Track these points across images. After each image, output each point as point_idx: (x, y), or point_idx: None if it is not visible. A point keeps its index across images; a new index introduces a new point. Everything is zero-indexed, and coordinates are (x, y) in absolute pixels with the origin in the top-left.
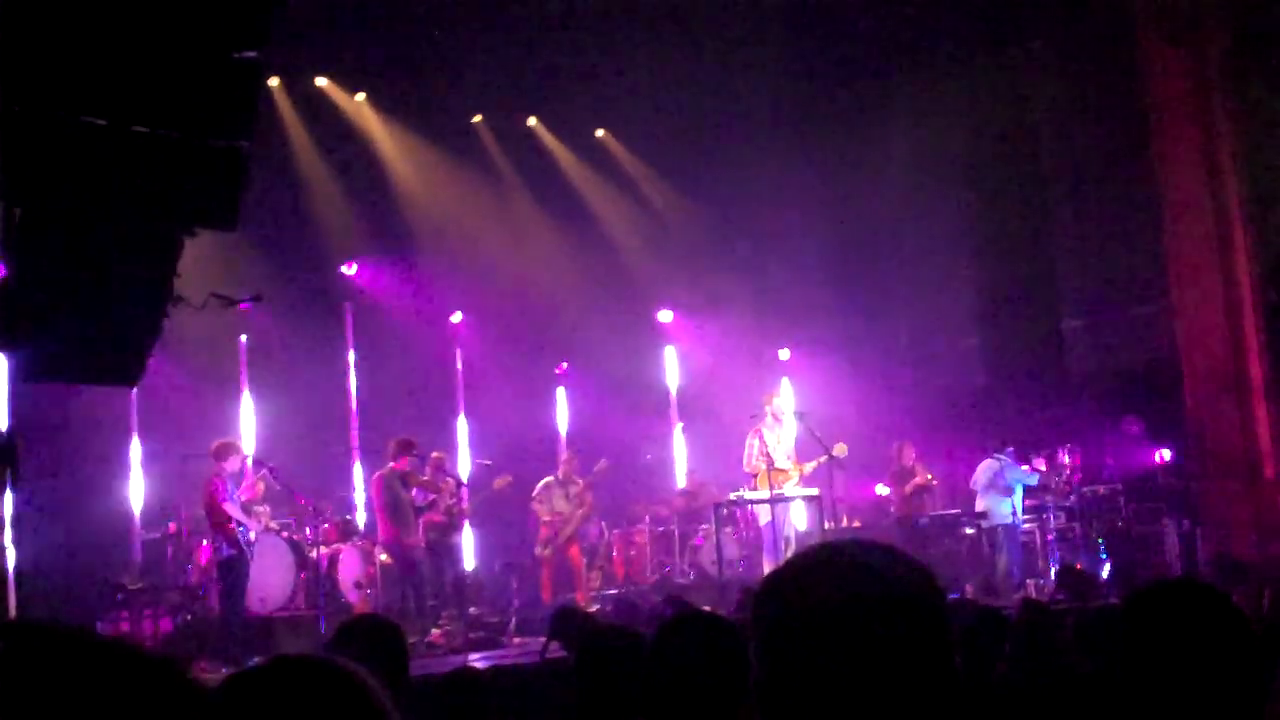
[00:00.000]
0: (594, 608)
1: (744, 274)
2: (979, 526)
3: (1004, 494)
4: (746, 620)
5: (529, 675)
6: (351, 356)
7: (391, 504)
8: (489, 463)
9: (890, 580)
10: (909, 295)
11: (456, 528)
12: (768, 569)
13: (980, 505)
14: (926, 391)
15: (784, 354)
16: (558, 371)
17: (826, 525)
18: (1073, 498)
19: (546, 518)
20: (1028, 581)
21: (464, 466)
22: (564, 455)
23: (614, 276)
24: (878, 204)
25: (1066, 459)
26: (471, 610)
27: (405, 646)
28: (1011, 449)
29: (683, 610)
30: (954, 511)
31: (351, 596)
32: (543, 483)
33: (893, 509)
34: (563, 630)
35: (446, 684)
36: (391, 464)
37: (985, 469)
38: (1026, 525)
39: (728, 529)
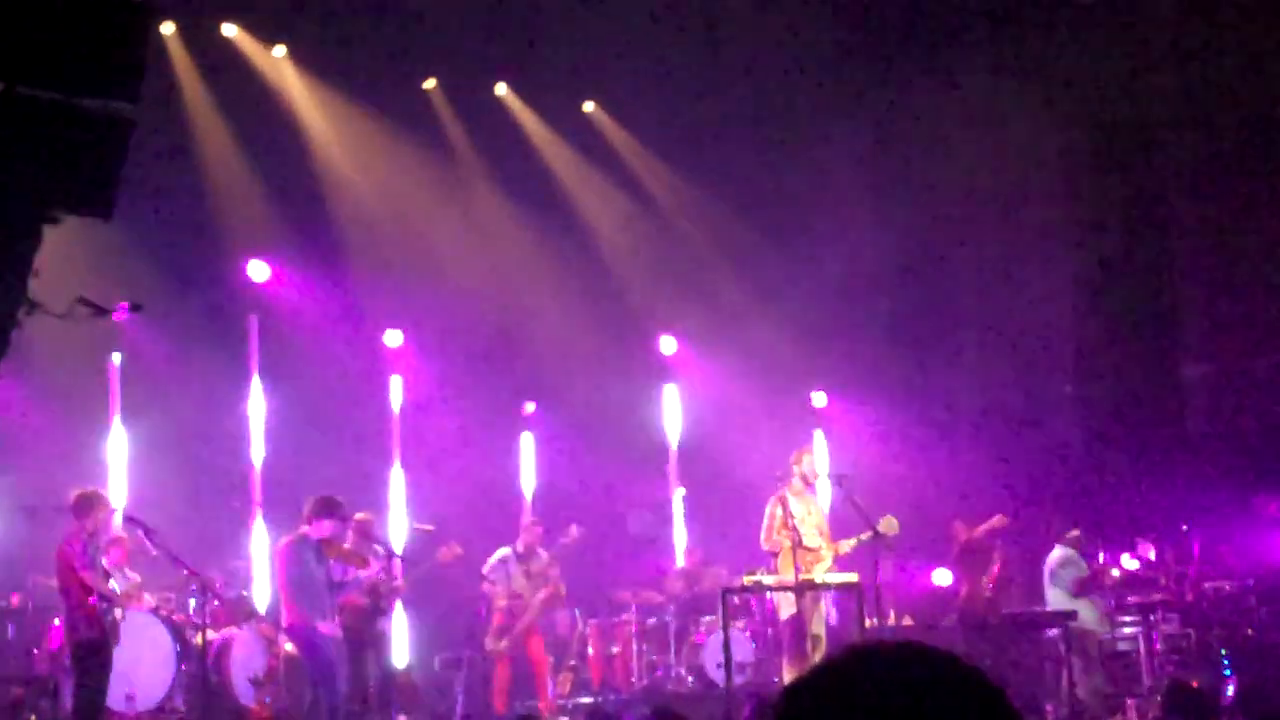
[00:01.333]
0: None
1: (769, 293)
2: (1066, 630)
3: (1073, 591)
4: None
5: None
6: (256, 385)
7: (301, 579)
8: (430, 528)
9: (950, 700)
10: (983, 329)
11: (385, 612)
12: (789, 677)
13: (1053, 603)
14: (1004, 453)
15: (819, 399)
16: (524, 413)
17: (868, 622)
18: (1188, 596)
19: (502, 601)
20: (1127, 702)
21: (397, 532)
22: (525, 521)
23: (601, 292)
24: (945, 205)
25: (1179, 548)
26: (400, 718)
27: None
28: (1076, 531)
29: None
30: (1035, 610)
31: (245, 698)
32: (498, 555)
33: (958, 604)
34: None
35: None
36: (305, 528)
37: (1052, 558)
38: (1128, 630)
39: (739, 623)
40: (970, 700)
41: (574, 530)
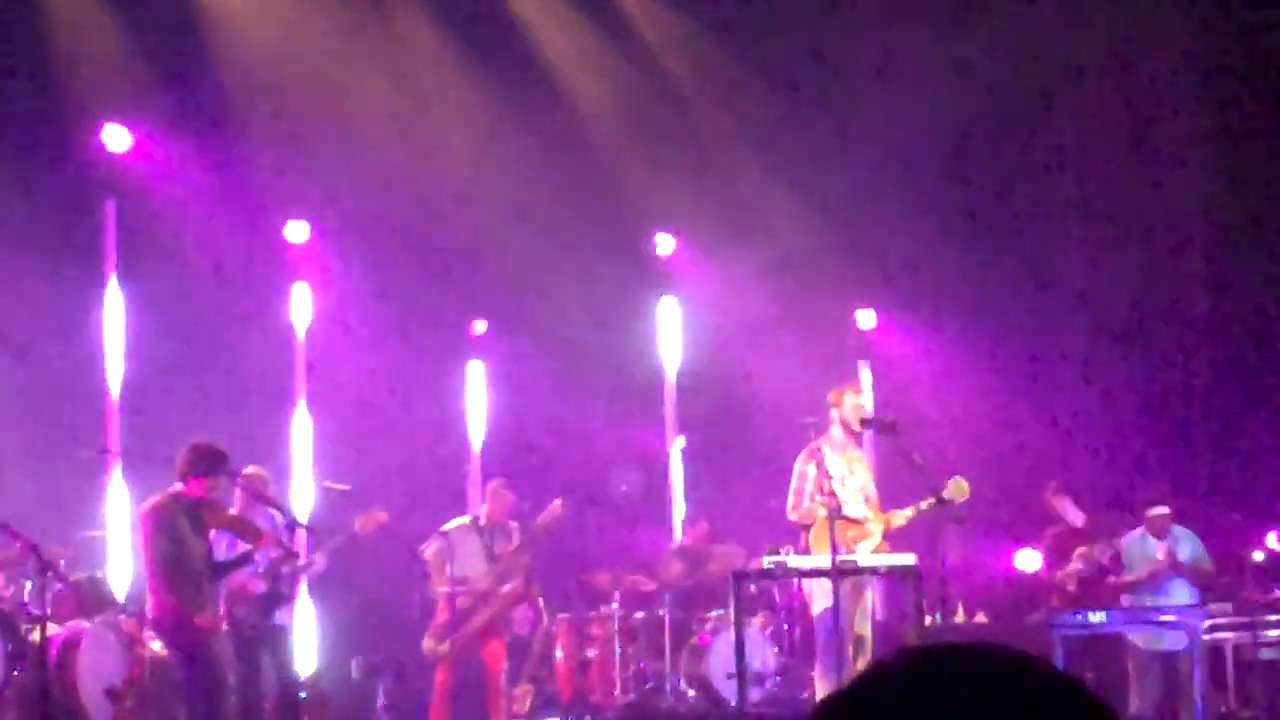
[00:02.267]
0: None
1: (800, 179)
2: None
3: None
4: None
5: None
6: (114, 291)
7: (174, 556)
8: (346, 488)
9: None
10: (1088, 228)
11: (286, 600)
12: (823, 690)
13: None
14: (1116, 395)
15: (865, 320)
16: (472, 335)
17: (928, 619)
18: None
19: (444, 588)
20: None
21: (302, 494)
22: (492, 485)
23: (577, 175)
24: (1041, 67)
25: None
26: None
27: None
28: (1163, 508)
29: None
30: (1161, 605)
31: (99, 714)
32: (451, 526)
33: (1047, 593)
34: None
35: None
36: (178, 486)
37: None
38: (1274, 634)
39: (757, 619)
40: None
41: (557, 506)
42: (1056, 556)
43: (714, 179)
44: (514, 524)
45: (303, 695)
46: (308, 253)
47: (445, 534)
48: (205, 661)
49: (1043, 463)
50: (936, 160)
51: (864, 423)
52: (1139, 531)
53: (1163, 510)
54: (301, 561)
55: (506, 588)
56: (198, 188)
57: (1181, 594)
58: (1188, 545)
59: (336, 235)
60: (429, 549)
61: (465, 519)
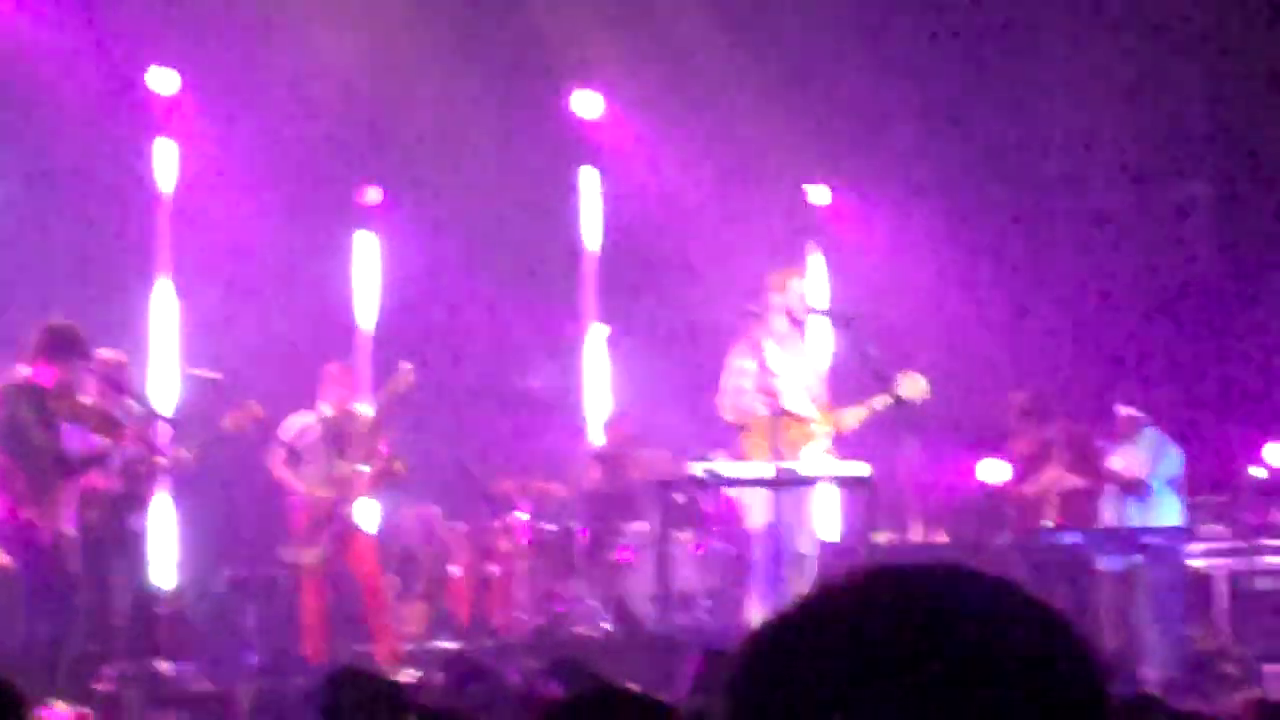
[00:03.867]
0: (406, 676)
1: (746, 32)
2: (1178, 557)
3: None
4: (710, 712)
5: None
6: None
7: (16, 449)
8: (216, 376)
9: (1012, 655)
10: (1072, 81)
11: (143, 503)
12: (759, 617)
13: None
14: (1103, 286)
15: (817, 195)
16: (363, 202)
17: (880, 536)
18: None
19: (299, 486)
20: (1266, 669)
21: (165, 383)
22: (329, 369)
23: (487, 24)
24: None
25: None
26: (163, 666)
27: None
28: (1130, 410)
29: (585, 690)
30: (1145, 527)
31: None
32: (294, 424)
33: (1012, 509)
34: (342, 717)
35: None
36: (24, 371)
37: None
38: (1270, 561)
39: (685, 535)
40: (1045, 657)
41: (405, 369)
42: (1027, 466)
43: (646, 29)
44: (361, 408)
45: (159, 611)
46: (174, 105)
47: (286, 437)
48: (49, 571)
49: (1018, 361)
50: (903, 12)
51: (819, 314)
52: (1153, 435)
53: (1129, 412)
54: (162, 460)
55: (364, 478)
56: (42, 26)
57: (1156, 510)
58: (1151, 451)
59: (206, 86)
60: (272, 458)
61: (307, 415)
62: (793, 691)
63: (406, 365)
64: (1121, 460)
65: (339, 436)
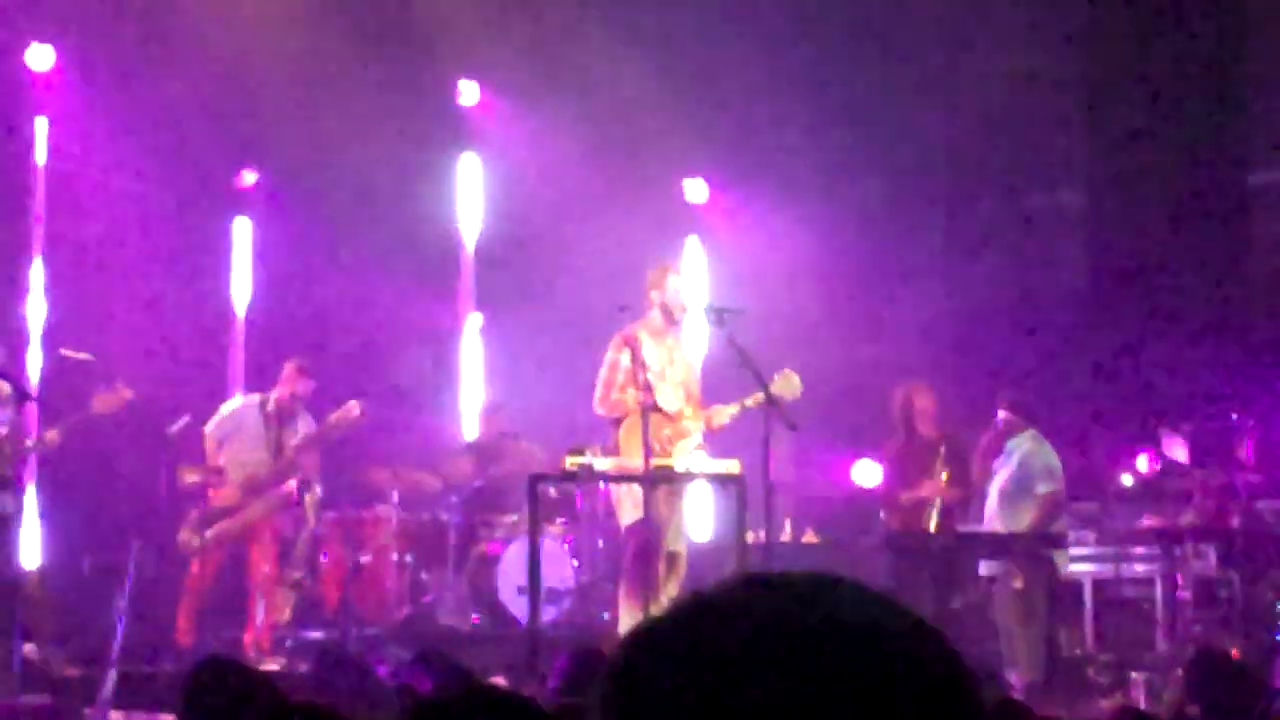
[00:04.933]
0: (272, 664)
1: (625, 21)
2: (1048, 562)
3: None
4: (577, 710)
5: None
6: None
7: None
8: (87, 357)
9: (880, 671)
10: (951, 76)
11: (10, 483)
12: (628, 618)
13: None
14: (978, 287)
15: (695, 190)
16: (240, 186)
17: (751, 535)
18: (1233, 520)
19: (197, 476)
20: (1131, 675)
21: (34, 363)
22: (290, 366)
23: (368, 8)
24: None
25: (1224, 447)
26: (26, 648)
27: None
28: (1003, 413)
29: (451, 683)
30: (1012, 533)
31: None
32: (233, 405)
33: (887, 516)
34: (208, 709)
35: None
36: None
37: (1019, 454)
38: (1139, 568)
39: (555, 528)
40: (916, 667)
41: (353, 408)
42: (902, 470)
43: (525, 17)
44: (304, 415)
45: (24, 593)
46: (50, 80)
47: (224, 414)
48: None
49: (894, 362)
50: (783, 6)
51: (695, 309)
52: (1032, 444)
53: (1009, 417)
54: (30, 441)
55: (284, 486)
56: None
57: (1023, 515)
58: (1022, 457)
59: (83, 60)
60: (208, 426)
61: (251, 398)
62: (664, 702)
63: (354, 405)
64: (1003, 466)
65: (279, 435)
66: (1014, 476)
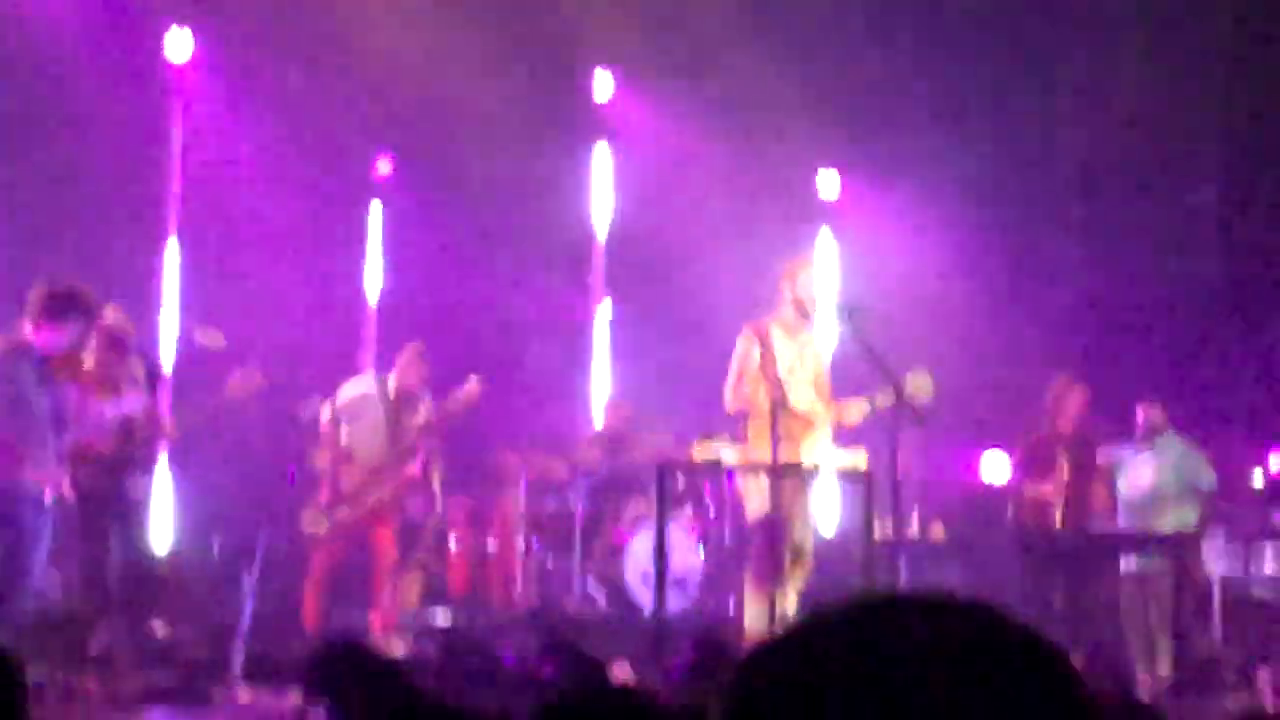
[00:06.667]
0: (398, 648)
1: (761, 11)
2: (1182, 561)
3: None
4: (700, 702)
5: None
6: None
7: (15, 413)
8: (220, 340)
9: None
10: (1090, 94)
11: (142, 467)
12: (754, 607)
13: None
14: (1115, 284)
15: (828, 184)
16: (375, 175)
17: (878, 529)
18: None
19: (326, 461)
20: (1259, 672)
21: (168, 346)
22: (409, 349)
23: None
24: None
25: None
26: (156, 625)
27: (19, 692)
28: (1154, 412)
29: (576, 672)
30: (1151, 532)
31: None
32: (352, 389)
33: (1014, 508)
34: (334, 690)
35: None
36: (29, 329)
37: (1169, 451)
38: (1269, 570)
39: (682, 516)
40: (1035, 695)
41: (474, 384)
42: (1034, 465)
43: (662, 7)
44: (425, 397)
45: (155, 574)
46: (188, 68)
47: (340, 399)
48: (35, 527)
49: (1025, 357)
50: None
51: (827, 305)
52: (1133, 442)
53: (1152, 415)
54: (163, 423)
55: (408, 465)
56: None
57: (1178, 515)
58: (1176, 457)
59: (221, 48)
60: (323, 411)
61: (370, 384)
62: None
63: (474, 380)
64: (1146, 464)
65: (399, 417)
66: (1172, 474)
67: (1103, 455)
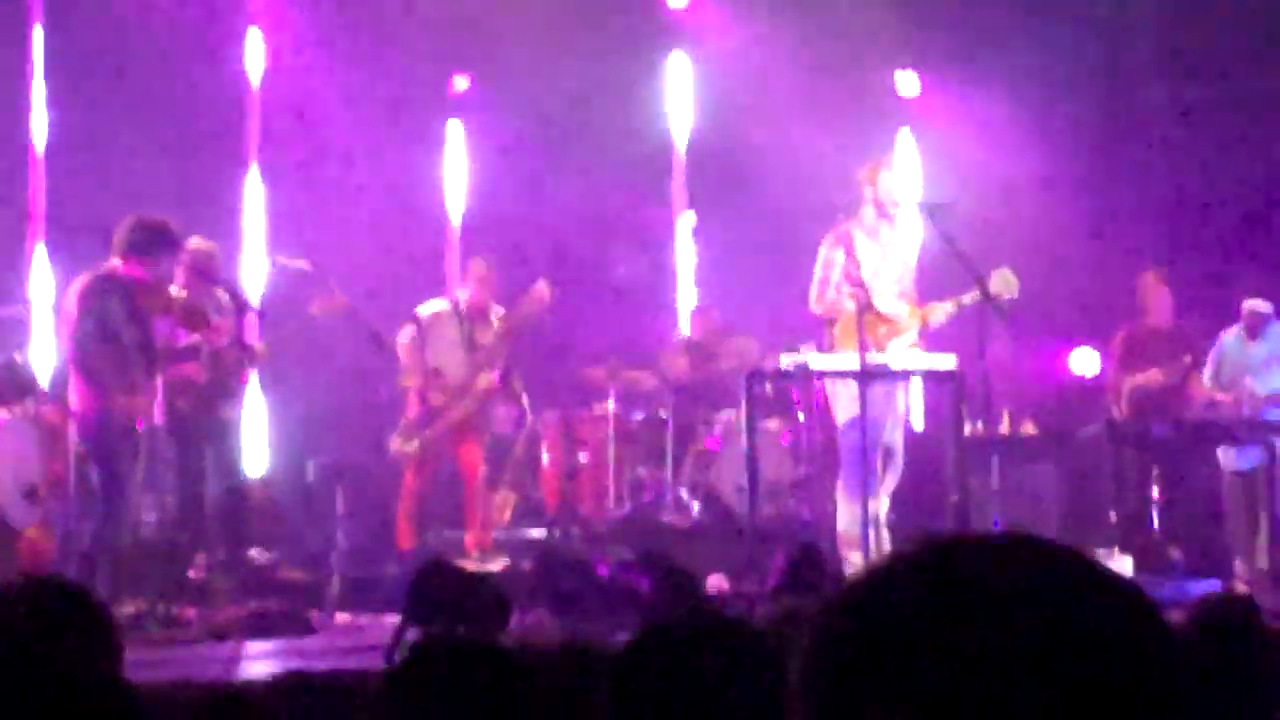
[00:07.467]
0: (496, 564)
1: None
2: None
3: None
4: (792, 632)
5: (363, 694)
6: (37, 36)
7: (104, 340)
8: (304, 265)
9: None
10: None
11: (234, 393)
12: (846, 512)
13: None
14: (1207, 172)
15: (907, 83)
16: (452, 92)
17: (969, 428)
18: None
19: (416, 380)
20: None
21: (254, 273)
22: (475, 264)
23: None
24: None
25: None
26: (253, 553)
27: (110, 631)
28: (1261, 303)
29: (669, 583)
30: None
31: (16, 516)
32: (427, 310)
33: (1111, 401)
34: (431, 608)
35: (207, 708)
36: (115, 263)
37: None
38: None
39: (773, 424)
40: (1119, 639)
41: (542, 288)
42: (1130, 358)
43: None
44: (497, 310)
45: (250, 499)
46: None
47: (419, 319)
48: (117, 461)
49: (1113, 250)
50: None
51: (909, 206)
52: (1234, 330)
53: (1260, 305)
54: (252, 348)
55: (484, 382)
56: None
57: None
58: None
59: None
60: (401, 336)
61: (443, 303)
62: (864, 665)
63: (542, 284)
64: (1256, 356)
65: (470, 331)
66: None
67: (1201, 348)
